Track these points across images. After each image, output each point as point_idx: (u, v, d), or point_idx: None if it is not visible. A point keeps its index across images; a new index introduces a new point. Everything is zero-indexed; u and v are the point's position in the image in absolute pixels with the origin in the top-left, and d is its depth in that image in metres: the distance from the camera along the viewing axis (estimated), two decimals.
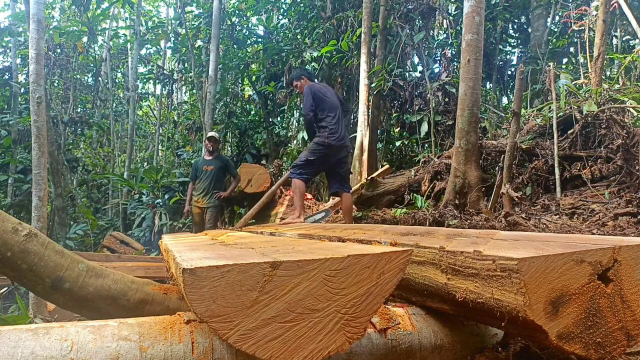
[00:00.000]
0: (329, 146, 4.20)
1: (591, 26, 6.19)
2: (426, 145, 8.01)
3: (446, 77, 8.20)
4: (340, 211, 6.24)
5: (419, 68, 9.44)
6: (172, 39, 12.76)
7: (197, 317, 0.95)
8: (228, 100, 11.38)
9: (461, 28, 5.58)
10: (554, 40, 9.17)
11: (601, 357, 1.12)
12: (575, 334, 1.09)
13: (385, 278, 1.12)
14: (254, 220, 7.49)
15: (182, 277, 0.93)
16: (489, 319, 1.33)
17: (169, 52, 14.45)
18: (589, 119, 4.73)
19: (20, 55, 10.96)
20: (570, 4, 9.08)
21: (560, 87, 5.38)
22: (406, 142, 8.93)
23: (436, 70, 8.88)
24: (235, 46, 11.51)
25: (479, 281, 1.25)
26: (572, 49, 9.38)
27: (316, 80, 4.82)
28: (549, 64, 5.91)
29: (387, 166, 6.98)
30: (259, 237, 2.43)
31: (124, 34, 14.15)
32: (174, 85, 13.78)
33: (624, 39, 8.73)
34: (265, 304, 0.99)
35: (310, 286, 1.04)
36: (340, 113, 4.40)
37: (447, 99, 8.14)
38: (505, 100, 10.77)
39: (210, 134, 6.87)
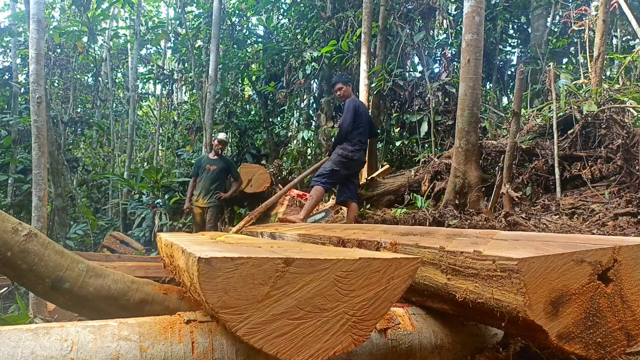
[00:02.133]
0: (352, 160, 4.57)
1: (591, 26, 6.19)
2: (426, 145, 8.01)
3: (446, 77, 8.19)
4: (340, 211, 6.25)
5: (419, 68, 9.44)
6: (172, 39, 12.75)
7: (208, 307, 0.95)
8: (228, 100, 11.38)
9: (461, 28, 5.58)
10: (554, 40, 9.17)
11: (601, 357, 1.11)
12: (576, 334, 1.09)
13: (394, 284, 1.13)
14: (254, 221, 7.48)
15: (196, 266, 0.94)
16: (489, 319, 1.33)
17: (169, 52, 14.44)
18: (589, 119, 4.73)
19: (20, 55, 10.96)
20: (570, 4, 9.08)
21: (560, 87, 5.38)
22: (406, 142, 8.92)
23: (436, 70, 8.88)
24: (235, 46, 11.51)
25: (479, 281, 1.24)
26: (572, 49, 9.37)
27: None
28: (549, 64, 5.90)
29: (387, 166, 6.98)
30: (260, 239, 2.42)
31: (124, 34, 14.15)
32: (174, 85, 13.77)
33: (624, 39, 8.73)
34: (276, 300, 1.00)
35: (320, 285, 1.05)
36: (367, 131, 4.76)
37: (447, 99, 8.13)
38: (505, 100, 10.77)
39: (220, 136, 6.82)
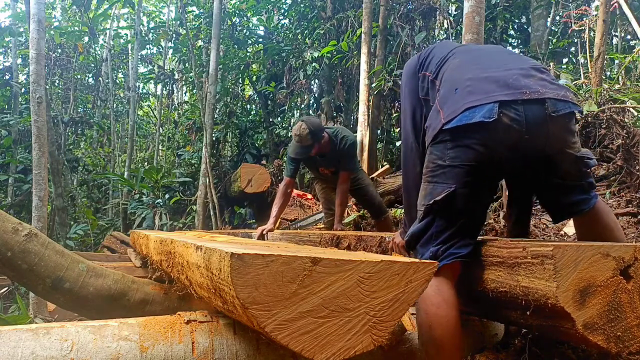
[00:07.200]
0: None
1: (591, 26, 6.18)
2: None
3: None
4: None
5: None
6: (173, 38, 12.74)
7: (239, 302, 0.98)
8: (228, 100, 11.36)
9: (461, 28, 5.57)
10: (555, 40, 9.16)
11: (620, 351, 1.17)
12: (599, 325, 1.15)
13: (412, 287, 1.17)
14: (253, 220, 7.49)
15: (228, 262, 0.97)
16: (506, 311, 1.36)
17: (170, 52, 14.43)
18: (589, 119, 4.73)
19: (20, 55, 10.95)
20: (570, 4, 9.07)
21: None
22: None
23: None
24: (235, 46, 11.50)
25: (503, 269, 1.29)
26: (572, 49, 9.37)
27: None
28: (549, 64, 5.89)
29: (387, 166, 6.98)
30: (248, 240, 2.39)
31: (125, 34, 14.14)
32: (174, 85, 13.75)
33: (624, 39, 8.72)
34: (303, 298, 1.03)
35: (345, 285, 1.08)
36: None
37: None
38: None
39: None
